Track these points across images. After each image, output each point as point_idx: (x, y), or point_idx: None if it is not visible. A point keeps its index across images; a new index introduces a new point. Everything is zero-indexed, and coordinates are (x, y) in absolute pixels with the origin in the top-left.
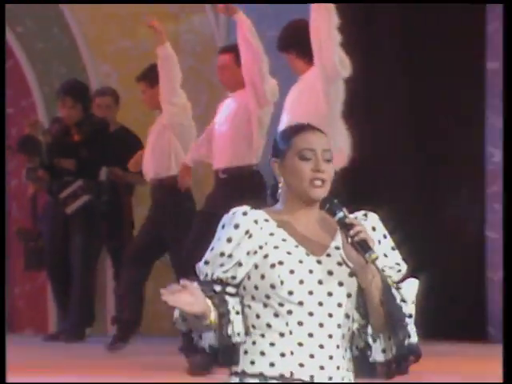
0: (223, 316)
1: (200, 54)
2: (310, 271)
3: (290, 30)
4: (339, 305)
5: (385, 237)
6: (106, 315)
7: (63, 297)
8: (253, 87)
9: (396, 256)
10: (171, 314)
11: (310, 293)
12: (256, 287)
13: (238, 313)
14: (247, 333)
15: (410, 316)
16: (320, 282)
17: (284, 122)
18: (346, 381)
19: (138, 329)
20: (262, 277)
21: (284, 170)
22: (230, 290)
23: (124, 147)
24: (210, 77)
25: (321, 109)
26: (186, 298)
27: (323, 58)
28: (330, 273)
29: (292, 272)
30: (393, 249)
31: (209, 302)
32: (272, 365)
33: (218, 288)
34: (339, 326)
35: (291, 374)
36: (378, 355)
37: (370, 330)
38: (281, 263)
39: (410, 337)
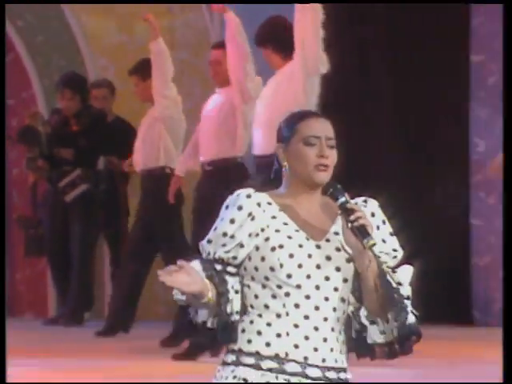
0: (222, 295)
1: (194, 48)
2: (309, 255)
3: (267, 26)
4: (335, 289)
5: (383, 223)
6: (104, 300)
7: (62, 282)
8: (238, 84)
9: (393, 242)
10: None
11: (308, 276)
12: (256, 268)
13: (237, 292)
14: (245, 312)
15: (408, 298)
16: (318, 267)
17: (261, 113)
18: (339, 363)
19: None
20: (263, 259)
21: (289, 154)
22: (230, 269)
23: (120, 137)
24: (204, 70)
25: (299, 100)
26: (183, 278)
27: (306, 55)
28: (329, 258)
29: (291, 256)
30: (391, 235)
31: (206, 281)
32: (268, 344)
33: (218, 267)
34: (334, 309)
35: (286, 354)
36: (376, 337)
37: (363, 312)
38: (281, 247)
39: (409, 318)
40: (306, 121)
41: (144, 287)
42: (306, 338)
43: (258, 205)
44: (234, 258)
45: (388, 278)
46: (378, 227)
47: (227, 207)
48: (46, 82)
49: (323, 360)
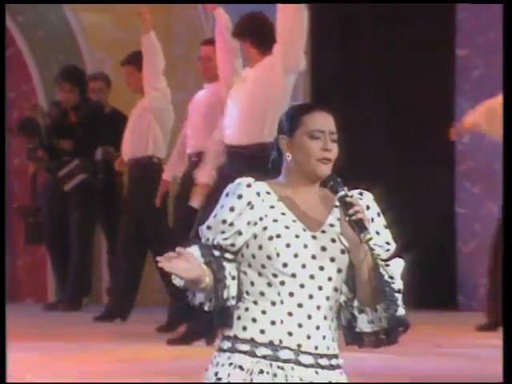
0: (220, 281)
1: (189, 43)
2: (305, 246)
3: (246, 19)
4: (329, 279)
5: (378, 215)
6: (102, 286)
7: (61, 269)
8: (224, 79)
9: (387, 235)
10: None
11: (303, 266)
12: (253, 256)
13: (233, 278)
14: (240, 298)
15: (399, 291)
16: (313, 257)
17: (239, 104)
18: (330, 350)
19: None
20: (260, 247)
21: (292, 146)
22: (227, 255)
23: (117, 128)
24: (198, 65)
25: (278, 95)
26: (181, 264)
27: (287, 54)
28: (324, 248)
29: (288, 246)
30: (385, 227)
31: (204, 267)
32: (262, 332)
33: (216, 253)
34: (328, 298)
35: (280, 341)
36: (364, 326)
37: (356, 303)
38: (278, 236)
39: (399, 310)
40: (312, 114)
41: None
42: (300, 325)
43: (258, 194)
44: (232, 245)
45: (381, 271)
46: (372, 219)
47: (227, 195)
48: (46, 76)
49: (316, 347)
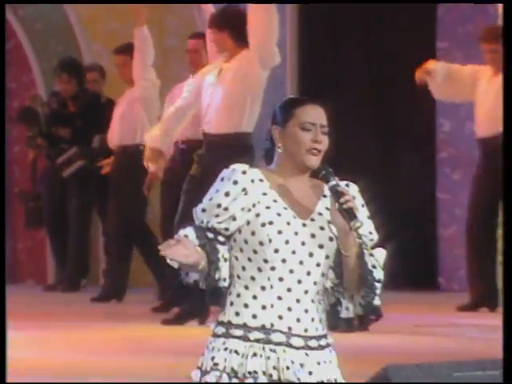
0: (213, 263)
1: (182, 35)
2: (296, 233)
3: (225, 11)
4: (317, 264)
5: (362, 206)
6: (99, 268)
7: (61, 252)
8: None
9: (370, 225)
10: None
11: (293, 252)
12: (246, 241)
13: (225, 260)
14: (231, 282)
15: (379, 281)
16: (303, 243)
17: (220, 95)
18: (319, 331)
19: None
20: (253, 233)
21: (284, 136)
22: (220, 238)
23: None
24: None
25: (256, 88)
26: (181, 250)
27: (261, 51)
28: (313, 235)
29: (280, 232)
30: (368, 218)
31: (199, 249)
32: (254, 316)
33: (210, 235)
34: (315, 283)
35: (271, 325)
36: (342, 312)
37: (341, 288)
38: (271, 223)
39: (376, 299)
40: (304, 107)
41: (136, 258)
42: (289, 309)
43: (252, 181)
44: (226, 229)
45: (366, 259)
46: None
47: (222, 180)
48: (45, 67)
49: (305, 330)
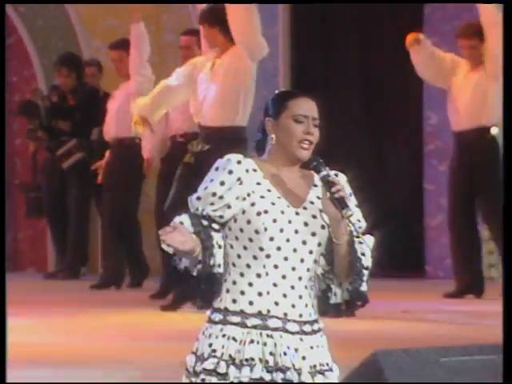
0: (207, 249)
1: (178, 32)
2: (289, 221)
3: (216, 8)
4: (310, 252)
5: (350, 195)
6: (98, 256)
7: (61, 241)
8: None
9: (358, 213)
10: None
11: (287, 240)
12: (241, 230)
13: (220, 247)
14: (226, 270)
15: (367, 268)
16: (296, 232)
17: (214, 90)
18: (312, 316)
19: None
20: (248, 222)
21: (277, 128)
22: (215, 226)
23: None
24: None
25: (247, 82)
26: (178, 237)
27: (249, 44)
28: (306, 224)
29: (275, 221)
30: (356, 206)
31: (194, 237)
32: (251, 303)
33: (205, 223)
34: (308, 269)
35: (268, 311)
36: (332, 298)
37: (332, 275)
38: (266, 212)
39: (362, 285)
40: (297, 100)
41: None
42: (284, 295)
43: (246, 171)
44: (221, 216)
45: (355, 246)
46: None
47: (217, 169)
48: (45, 62)
49: (300, 315)
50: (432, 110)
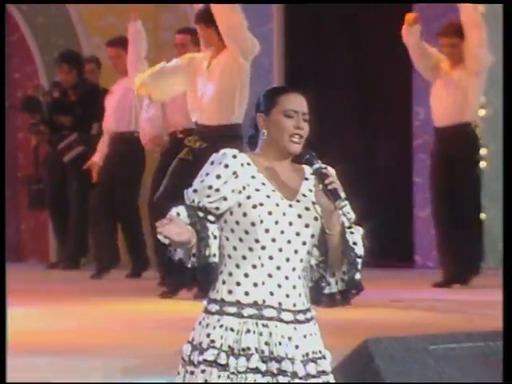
0: (203, 240)
1: (176, 29)
2: (284, 214)
3: (210, 8)
4: (304, 243)
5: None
6: None
7: (62, 232)
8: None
9: (347, 206)
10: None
11: (282, 232)
12: (237, 222)
13: (215, 237)
14: (222, 261)
15: (360, 257)
16: (290, 224)
17: (211, 90)
18: (305, 305)
19: (115, 266)
20: (244, 214)
21: (268, 123)
22: (210, 217)
23: None
24: None
25: (243, 81)
26: (174, 229)
27: (241, 44)
28: (299, 216)
29: (270, 213)
30: (345, 199)
31: (190, 228)
32: (247, 293)
33: (201, 214)
34: (301, 260)
35: (263, 301)
36: (325, 288)
37: (325, 265)
38: (261, 205)
39: (357, 274)
40: (287, 95)
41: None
42: (279, 286)
43: (242, 165)
44: (217, 208)
45: (347, 237)
46: None
47: (213, 163)
48: (47, 59)
49: (294, 305)
50: (420, 106)
